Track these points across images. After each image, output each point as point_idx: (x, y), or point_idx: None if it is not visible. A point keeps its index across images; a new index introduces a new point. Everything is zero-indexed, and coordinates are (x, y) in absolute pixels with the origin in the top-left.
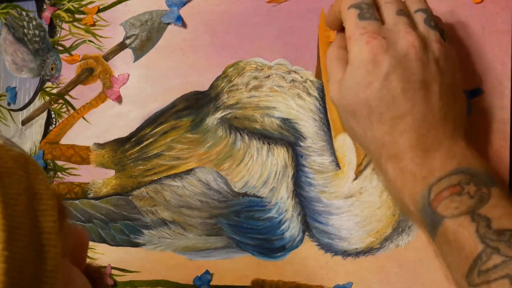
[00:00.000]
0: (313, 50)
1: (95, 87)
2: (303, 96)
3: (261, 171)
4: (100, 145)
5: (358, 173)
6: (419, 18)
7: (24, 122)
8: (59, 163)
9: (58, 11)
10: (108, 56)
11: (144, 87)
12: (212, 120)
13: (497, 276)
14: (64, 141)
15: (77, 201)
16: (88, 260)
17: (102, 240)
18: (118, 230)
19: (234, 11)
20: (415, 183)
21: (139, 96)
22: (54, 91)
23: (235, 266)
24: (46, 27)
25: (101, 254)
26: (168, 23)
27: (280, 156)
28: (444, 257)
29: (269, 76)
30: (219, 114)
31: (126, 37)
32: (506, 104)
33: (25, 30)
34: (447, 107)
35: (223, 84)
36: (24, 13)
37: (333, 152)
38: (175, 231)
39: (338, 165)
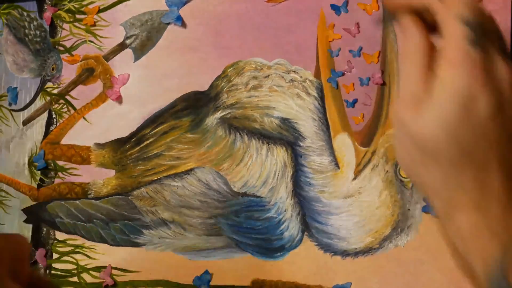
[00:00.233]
0: (312, 50)
1: (95, 87)
2: (302, 96)
3: (260, 171)
4: (100, 145)
5: (357, 173)
6: None
7: (25, 122)
8: (60, 163)
9: (59, 12)
10: (108, 56)
11: (144, 87)
12: (211, 120)
13: None
14: (64, 141)
15: (77, 201)
16: (37, 274)
17: (103, 240)
18: (118, 230)
19: (234, 11)
20: (491, 243)
21: (139, 96)
22: (55, 91)
23: (234, 266)
24: (47, 27)
25: (102, 254)
26: (168, 23)
27: (279, 155)
28: None
29: (268, 76)
30: (218, 114)
31: (126, 37)
32: None
33: (26, 31)
34: None
35: (222, 84)
36: (25, 14)
37: (332, 152)
38: (175, 231)
39: (337, 165)
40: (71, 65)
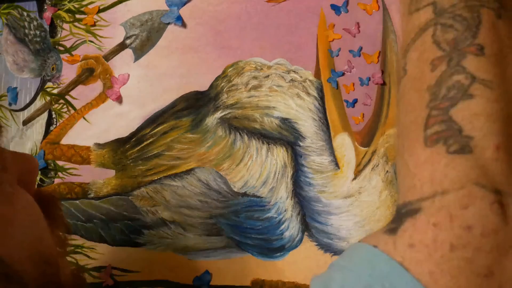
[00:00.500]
0: (312, 50)
1: (95, 87)
2: (302, 96)
3: (260, 171)
4: (100, 145)
5: (357, 173)
6: None
7: (25, 122)
8: (60, 163)
9: (59, 12)
10: (108, 56)
11: (144, 87)
12: (211, 120)
13: (426, 3)
14: (64, 141)
15: (77, 201)
16: (41, 188)
17: (103, 240)
18: (118, 230)
19: (234, 11)
20: None
21: (139, 96)
22: (55, 91)
23: (234, 266)
24: (47, 27)
25: (101, 254)
26: (168, 23)
27: (279, 156)
28: None
29: (268, 76)
30: (218, 114)
31: (126, 37)
32: None
33: (26, 31)
34: None
35: (222, 84)
36: (25, 14)
37: (332, 152)
38: (175, 231)
39: (337, 165)
40: (71, 65)
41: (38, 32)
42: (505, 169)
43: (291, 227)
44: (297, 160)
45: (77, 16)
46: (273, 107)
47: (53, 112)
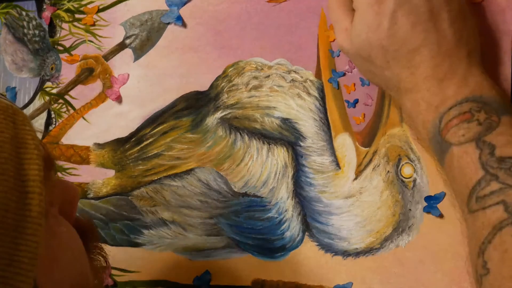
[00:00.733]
0: (313, 50)
1: (95, 87)
2: (303, 96)
3: (261, 171)
4: (100, 145)
5: (358, 173)
6: None
7: None
8: (59, 163)
9: (58, 11)
10: (108, 56)
11: (144, 87)
12: (212, 120)
13: (492, 202)
14: (64, 141)
15: None
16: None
17: (102, 240)
18: (118, 230)
19: (234, 11)
20: (428, 112)
21: (139, 96)
22: (54, 91)
23: (235, 266)
24: (46, 27)
25: None
26: (168, 23)
27: (280, 156)
28: (451, 184)
29: (269, 76)
30: (219, 114)
31: (126, 37)
32: None
33: (25, 30)
34: (459, 32)
35: (223, 84)
36: (24, 13)
37: (333, 152)
38: (175, 231)
39: (338, 165)
40: (70, 64)
41: (37, 32)
42: None
43: (292, 227)
44: (298, 160)
45: (77, 15)
46: (274, 107)
47: (52, 112)
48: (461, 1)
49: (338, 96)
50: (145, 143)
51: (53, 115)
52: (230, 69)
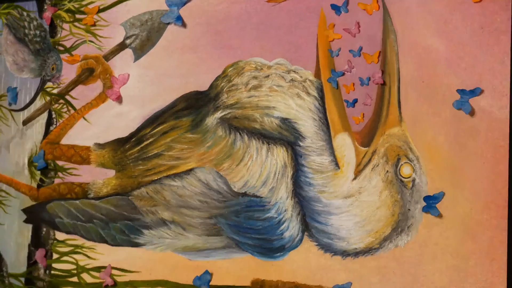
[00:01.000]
0: (312, 50)
1: (95, 87)
2: (302, 96)
3: (260, 170)
4: (100, 145)
5: (357, 173)
6: None
7: (25, 122)
8: (60, 163)
9: (59, 11)
10: (108, 56)
11: (144, 87)
12: (211, 120)
13: None
14: (64, 141)
15: (77, 201)
16: None
17: (103, 240)
18: (118, 230)
19: (234, 11)
20: None
21: (139, 96)
22: (55, 91)
23: (234, 266)
24: (47, 27)
25: (101, 254)
26: (168, 23)
27: (279, 155)
28: None
29: (268, 75)
30: (218, 114)
31: (126, 37)
32: (505, 103)
33: (26, 31)
34: None
35: (222, 84)
36: (25, 14)
37: (332, 152)
38: (175, 231)
39: (337, 165)
40: (71, 65)
41: (38, 32)
42: None
43: (291, 227)
44: (297, 160)
45: (77, 16)
46: (273, 107)
47: (53, 112)
48: None
49: (337, 96)
50: (145, 143)
51: (54, 115)
52: (230, 69)
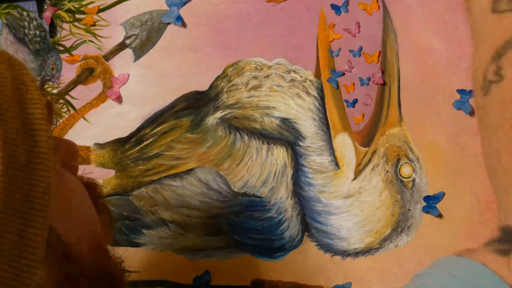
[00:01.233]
0: (312, 50)
1: (95, 87)
2: (302, 96)
3: (260, 171)
4: (100, 145)
5: (357, 173)
6: None
7: None
8: None
9: (59, 11)
10: (108, 56)
11: (144, 87)
12: (212, 120)
13: None
14: None
15: None
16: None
17: None
18: (118, 230)
19: (234, 11)
20: None
21: (139, 96)
22: (55, 91)
23: (235, 266)
24: (47, 27)
25: None
26: (168, 23)
27: (279, 156)
28: None
29: (268, 75)
30: (218, 114)
31: (126, 37)
32: None
33: (26, 30)
34: None
35: (222, 84)
36: (25, 13)
37: (332, 152)
38: (175, 231)
39: (337, 165)
40: (70, 65)
41: (38, 32)
42: None
43: (291, 227)
44: (297, 160)
45: (77, 16)
46: (273, 107)
47: None
48: None
49: (337, 96)
50: (145, 143)
51: (53, 115)
52: (230, 69)
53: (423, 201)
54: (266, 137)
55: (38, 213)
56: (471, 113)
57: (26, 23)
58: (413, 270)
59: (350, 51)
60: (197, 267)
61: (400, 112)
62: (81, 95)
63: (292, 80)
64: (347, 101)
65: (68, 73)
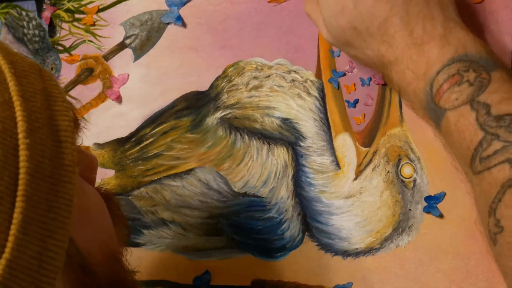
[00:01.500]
0: (313, 50)
1: (95, 87)
2: (303, 96)
3: (261, 171)
4: (100, 145)
5: (358, 173)
6: None
7: None
8: None
9: (58, 11)
10: (108, 56)
11: (144, 87)
12: (212, 120)
13: (497, 162)
14: None
15: None
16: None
17: None
18: None
19: (234, 11)
20: (417, 81)
21: (139, 96)
22: None
23: (235, 266)
24: (46, 27)
25: None
26: (168, 23)
27: (280, 156)
28: (451, 149)
29: (269, 76)
30: (219, 114)
31: (126, 37)
32: None
33: (25, 30)
34: None
35: (223, 84)
36: (24, 13)
37: (333, 152)
38: (175, 231)
39: (338, 165)
40: (70, 64)
41: (37, 32)
42: None
43: (292, 227)
44: (298, 160)
45: (76, 15)
46: (274, 107)
47: None
48: None
49: (338, 96)
50: (145, 143)
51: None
52: (230, 69)
53: (424, 201)
54: (266, 137)
55: (60, 224)
56: None
57: (25, 23)
58: (414, 270)
59: None
60: (197, 267)
61: (401, 112)
62: (81, 95)
63: (293, 80)
64: (348, 102)
65: (68, 73)
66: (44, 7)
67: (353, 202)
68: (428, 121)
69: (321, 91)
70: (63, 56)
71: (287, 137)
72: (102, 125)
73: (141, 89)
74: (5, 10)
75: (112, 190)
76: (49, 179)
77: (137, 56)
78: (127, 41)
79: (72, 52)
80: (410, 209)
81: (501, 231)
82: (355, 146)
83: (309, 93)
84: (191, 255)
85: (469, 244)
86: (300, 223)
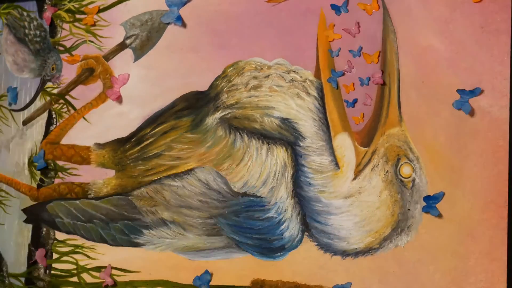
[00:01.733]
0: (312, 50)
1: (95, 87)
2: (302, 96)
3: (260, 171)
4: (100, 145)
5: (357, 173)
6: None
7: (25, 122)
8: (60, 163)
9: (59, 12)
10: (108, 56)
11: (144, 87)
12: (211, 120)
13: None
14: (64, 141)
15: (77, 201)
16: None
17: (103, 240)
18: (119, 230)
19: (234, 11)
20: None
21: (139, 96)
22: (55, 91)
23: (234, 266)
24: (47, 27)
25: (101, 254)
26: (168, 23)
27: (279, 156)
28: None
29: (268, 75)
30: (218, 114)
31: (126, 37)
32: (505, 103)
33: (26, 31)
34: None
35: (222, 84)
36: (25, 14)
37: (332, 152)
38: (175, 231)
39: (337, 165)
40: (71, 65)
41: (38, 32)
42: None
43: (291, 227)
44: (297, 160)
45: (77, 16)
46: (273, 107)
47: (53, 112)
48: None
49: (337, 96)
50: (145, 143)
51: (54, 115)
52: (230, 69)
53: (423, 201)
54: (266, 137)
55: None
56: (471, 113)
57: (26, 23)
58: (412, 270)
59: (350, 51)
60: (197, 267)
61: (400, 112)
62: (81, 95)
63: (292, 80)
64: (347, 101)
65: (68, 73)
66: (45, 7)
67: (352, 202)
68: None
69: (320, 90)
70: (64, 56)
71: (287, 137)
72: (103, 125)
73: (141, 89)
74: (7, 11)
75: (113, 190)
76: None
77: (137, 56)
78: (128, 41)
79: (73, 52)
80: (409, 209)
81: None
82: (354, 145)
83: (308, 93)
84: (191, 255)
85: (468, 244)
86: (300, 223)
